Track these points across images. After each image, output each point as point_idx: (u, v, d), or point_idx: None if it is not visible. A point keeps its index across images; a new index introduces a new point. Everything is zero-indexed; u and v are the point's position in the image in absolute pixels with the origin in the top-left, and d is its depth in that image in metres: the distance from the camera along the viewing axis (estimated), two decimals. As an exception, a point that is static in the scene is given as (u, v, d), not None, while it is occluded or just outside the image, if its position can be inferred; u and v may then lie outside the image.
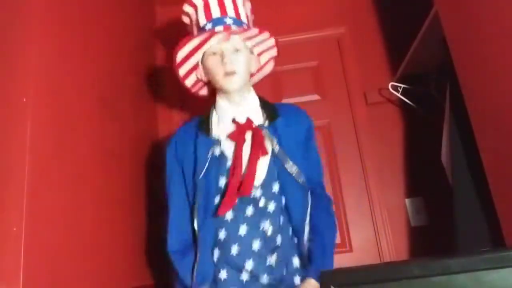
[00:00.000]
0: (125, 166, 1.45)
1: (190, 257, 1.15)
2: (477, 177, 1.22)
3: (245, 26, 1.25)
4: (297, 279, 1.16)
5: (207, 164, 1.16)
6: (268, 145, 1.18)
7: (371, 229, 1.79)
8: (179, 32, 2.12)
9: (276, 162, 1.18)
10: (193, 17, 1.30)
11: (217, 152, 1.19)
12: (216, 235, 1.16)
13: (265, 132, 1.18)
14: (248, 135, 1.18)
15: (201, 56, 1.26)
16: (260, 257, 1.12)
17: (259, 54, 1.34)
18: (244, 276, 1.13)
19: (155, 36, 2.13)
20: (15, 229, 0.83)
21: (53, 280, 0.92)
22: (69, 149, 1.06)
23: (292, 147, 1.20)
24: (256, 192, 1.16)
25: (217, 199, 1.17)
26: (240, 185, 1.12)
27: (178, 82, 2.06)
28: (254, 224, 1.14)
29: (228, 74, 1.19)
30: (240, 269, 1.12)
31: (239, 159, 1.14)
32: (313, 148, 1.30)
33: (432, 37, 1.46)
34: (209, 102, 1.35)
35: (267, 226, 1.14)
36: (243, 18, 1.28)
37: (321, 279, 0.65)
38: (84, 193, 1.12)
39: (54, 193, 0.97)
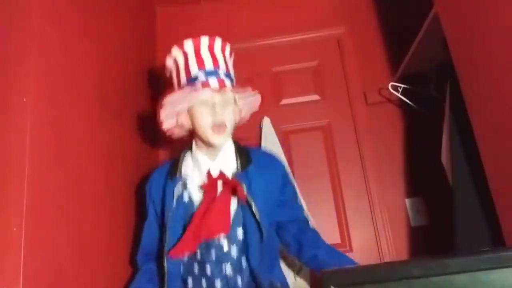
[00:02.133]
0: (125, 166, 1.45)
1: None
2: (477, 177, 1.22)
3: (234, 82, 1.29)
4: None
5: (173, 209, 1.21)
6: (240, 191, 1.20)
7: (371, 229, 1.79)
8: (179, 32, 2.13)
9: (243, 208, 1.20)
10: (181, 63, 1.29)
11: (185, 198, 1.23)
12: (184, 273, 1.22)
13: (236, 180, 1.21)
14: (219, 184, 1.21)
15: (189, 104, 1.26)
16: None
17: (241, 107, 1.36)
18: None
19: (155, 36, 2.13)
20: (15, 229, 0.83)
21: (53, 280, 0.92)
22: (69, 149, 1.06)
23: (261, 194, 1.22)
24: (220, 236, 1.19)
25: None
26: (202, 230, 1.16)
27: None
28: (217, 265, 1.18)
29: (218, 126, 1.21)
30: None
31: (204, 206, 1.18)
32: (291, 192, 1.35)
33: (432, 37, 1.46)
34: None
35: (228, 269, 1.18)
36: (231, 71, 1.31)
37: (321, 279, 0.65)
38: (84, 193, 1.12)
39: (54, 193, 0.97)
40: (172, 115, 1.28)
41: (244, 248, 1.19)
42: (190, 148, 1.31)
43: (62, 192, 1.01)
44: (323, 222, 1.73)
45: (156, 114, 1.27)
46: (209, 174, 1.23)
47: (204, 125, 1.22)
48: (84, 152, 1.15)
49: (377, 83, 1.93)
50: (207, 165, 1.24)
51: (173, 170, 1.28)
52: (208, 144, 1.24)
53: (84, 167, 1.14)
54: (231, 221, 1.19)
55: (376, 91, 1.92)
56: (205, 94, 1.22)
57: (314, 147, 1.89)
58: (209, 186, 1.20)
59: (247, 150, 1.32)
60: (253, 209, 1.18)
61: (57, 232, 0.96)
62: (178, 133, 1.34)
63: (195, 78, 1.23)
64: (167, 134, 1.34)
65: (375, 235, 1.78)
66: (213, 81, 1.21)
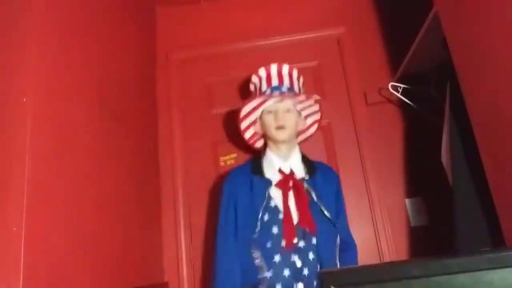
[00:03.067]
0: (125, 166, 1.45)
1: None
2: (477, 177, 1.22)
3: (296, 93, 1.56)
4: None
5: (265, 202, 1.41)
6: (307, 193, 1.44)
7: (371, 229, 1.79)
8: (179, 32, 2.13)
9: (313, 208, 1.42)
10: (257, 85, 1.62)
11: (272, 204, 1.43)
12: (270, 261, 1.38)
13: (305, 183, 1.46)
14: (291, 184, 1.45)
15: (259, 113, 1.57)
16: (288, 284, 1.33)
17: (306, 117, 1.64)
18: None
19: (155, 36, 2.13)
20: (15, 229, 0.83)
21: (53, 280, 0.92)
22: (69, 149, 1.06)
23: (327, 197, 1.47)
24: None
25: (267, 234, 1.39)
26: (300, 223, 1.38)
27: (178, 82, 2.07)
28: (286, 256, 1.36)
29: (279, 127, 1.50)
30: None
31: (287, 203, 1.41)
32: (342, 201, 1.57)
33: (432, 37, 1.46)
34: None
35: (296, 259, 1.35)
36: (296, 88, 1.60)
37: (321, 279, 0.65)
38: (84, 193, 1.12)
39: (54, 193, 0.97)
40: (249, 126, 1.61)
41: (312, 245, 1.38)
42: (265, 155, 1.56)
43: (62, 192, 1.01)
44: (323, 222, 1.73)
45: (239, 128, 1.60)
46: (280, 171, 1.47)
47: (270, 127, 1.52)
48: (84, 152, 1.15)
49: (377, 83, 1.93)
50: (279, 164, 1.49)
51: (257, 168, 1.51)
52: (275, 141, 1.52)
53: (84, 167, 1.14)
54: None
55: (376, 91, 1.92)
56: (269, 103, 1.53)
57: (314, 147, 1.88)
58: (283, 182, 1.44)
59: (311, 162, 1.56)
60: (325, 209, 1.41)
61: (57, 232, 0.96)
62: (256, 139, 1.66)
63: (264, 93, 1.56)
64: (250, 142, 1.66)
65: (375, 235, 1.78)
66: (275, 93, 1.53)
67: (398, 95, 1.80)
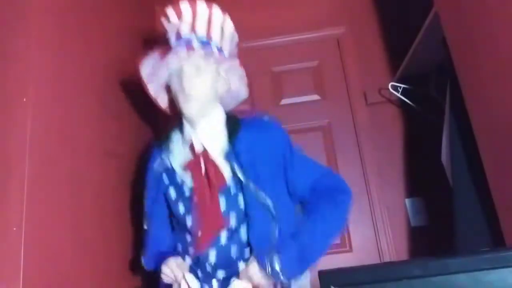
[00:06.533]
0: (124, 166, 1.45)
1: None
2: (477, 177, 1.22)
3: (221, 52, 1.14)
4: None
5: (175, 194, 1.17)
6: (226, 172, 1.09)
7: (371, 229, 1.79)
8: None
9: (237, 188, 1.08)
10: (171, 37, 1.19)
11: (178, 180, 1.15)
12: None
13: (221, 161, 1.09)
14: (202, 163, 1.10)
15: (166, 75, 1.16)
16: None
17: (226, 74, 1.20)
18: None
19: (155, 36, 2.13)
20: (15, 229, 0.83)
21: (53, 280, 0.92)
22: (69, 149, 1.06)
23: (256, 166, 1.08)
24: None
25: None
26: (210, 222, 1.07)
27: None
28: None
29: (185, 96, 1.09)
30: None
31: (201, 193, 1.08)
32: (301, 160, 1.19)
33: (432, 37, 1.46)
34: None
35: (213, 257, 1.08)
36: (216, 38, 1.15)
37: (321, 279, 0.65)
38: (84, 193, 1.12)
39: (54, 193, 0.97)
40: (161, 89, 1.20)
41: (236, 235, 1.07)
42: (180, 125, 1.18)
43: (62, 192, 1.01)
44: (323, 222, 1.73)
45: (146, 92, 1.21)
46: (192, 147, 1.12)
47: (176, 98, 1.12)
48: (84, 152, 1.15)
49: (377, 83, 1.93)
50: (190, 136, 1.13)
51: (163, 149, 1.19)
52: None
53: (84, 167, 1.14)
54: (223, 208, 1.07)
55: (376, 91, 1.93)
56: (172, 63, 1.10)
57: (314, 147, 1.89)
58: (192, 165, 1.10)
59: (238, 120, 1.15)
60: (250, 186, 1.04)
61: (57, 232, 0.96)
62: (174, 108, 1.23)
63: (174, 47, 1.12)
64: (167, 111, 1.28)
65: (375, 235, 1.78)
66: (181, 48, 1.08)
67: (398, 95, 1.81)
